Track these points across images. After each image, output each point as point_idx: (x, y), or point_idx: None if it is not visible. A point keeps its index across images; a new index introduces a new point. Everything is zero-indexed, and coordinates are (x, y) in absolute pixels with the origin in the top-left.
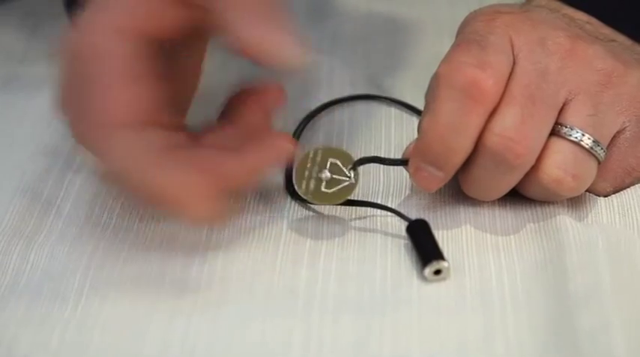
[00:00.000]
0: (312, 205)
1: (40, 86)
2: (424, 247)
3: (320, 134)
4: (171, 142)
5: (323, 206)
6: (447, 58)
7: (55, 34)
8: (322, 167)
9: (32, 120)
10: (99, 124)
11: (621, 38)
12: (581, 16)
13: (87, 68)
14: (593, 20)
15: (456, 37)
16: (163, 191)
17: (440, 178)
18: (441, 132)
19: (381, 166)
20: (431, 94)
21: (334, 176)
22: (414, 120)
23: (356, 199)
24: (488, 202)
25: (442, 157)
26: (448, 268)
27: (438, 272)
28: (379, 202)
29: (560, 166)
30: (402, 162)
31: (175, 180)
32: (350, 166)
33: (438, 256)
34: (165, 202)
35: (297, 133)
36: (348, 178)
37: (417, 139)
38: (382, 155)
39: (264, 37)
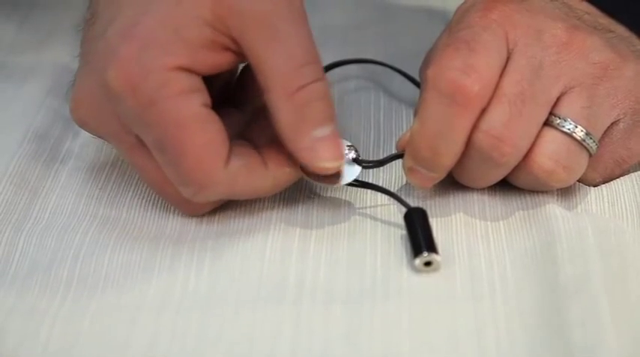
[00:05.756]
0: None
1: (27, 76)
2: (418, 236)
3: None
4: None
5: (312, 194)
6: (436, 61)
7: (44, 25)
8: None
9: (20, 109)
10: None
11: (620, 29)
12: (580, 5)
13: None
14: (592, 9)
15: (451, 24)
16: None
17: (433, 177)
18: (428, 138)
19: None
20: (421, 95)
21: None
22: (403, 107)
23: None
24: (477, 189)
25: (431, 161)
26: (439, 261)
27: (428, 264)
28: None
29: (551, 156)
30: (397, 156)
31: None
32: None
33: (430, 248)
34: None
35: None
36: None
37: (409, 141)
38: (370, 140)
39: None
